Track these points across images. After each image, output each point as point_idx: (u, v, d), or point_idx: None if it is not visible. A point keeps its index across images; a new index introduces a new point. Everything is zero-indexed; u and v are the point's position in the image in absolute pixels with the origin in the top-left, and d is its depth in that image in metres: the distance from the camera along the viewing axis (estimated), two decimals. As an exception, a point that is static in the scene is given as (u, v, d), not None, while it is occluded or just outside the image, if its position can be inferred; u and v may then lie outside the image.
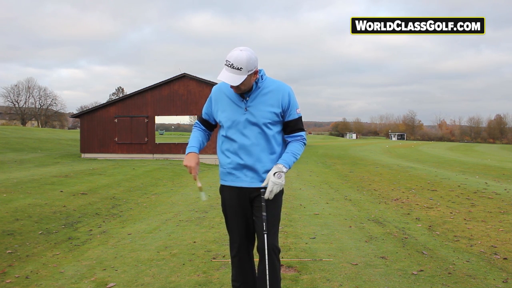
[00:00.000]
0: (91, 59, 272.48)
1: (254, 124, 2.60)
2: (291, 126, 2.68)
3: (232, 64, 2.45)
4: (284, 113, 2.64)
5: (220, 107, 2.70)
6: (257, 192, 2.62)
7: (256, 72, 2.55)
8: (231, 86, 2.56)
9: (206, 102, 2.83)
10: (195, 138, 2.81)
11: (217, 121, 2.76)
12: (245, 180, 2.63)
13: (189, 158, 2.67)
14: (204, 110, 2.84)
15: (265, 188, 2.57)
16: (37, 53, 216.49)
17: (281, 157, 2.65)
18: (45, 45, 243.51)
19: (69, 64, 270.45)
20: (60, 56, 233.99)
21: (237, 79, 2.46)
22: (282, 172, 2.54)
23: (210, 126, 2.87)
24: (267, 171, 2.61)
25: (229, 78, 2.47)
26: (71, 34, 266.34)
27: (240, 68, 2.44)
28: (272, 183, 2.51)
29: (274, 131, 2.64)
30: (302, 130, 2.74)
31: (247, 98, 2.62)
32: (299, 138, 2.70)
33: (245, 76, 2.47)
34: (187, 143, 2.80)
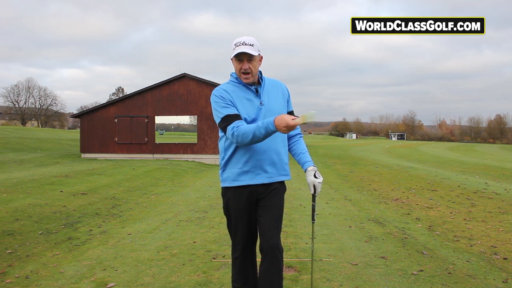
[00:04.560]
0: (93, 59, 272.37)
1: (275, 115, 2.56)
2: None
3: (244, 41, 2.56)
4: (286, 104, 2.80)
5: (236, 105, 2.59)
6: (268, 190, 2.64)
7: (261, 59, 2.68)
8: (243, 73, 2.58)
9: (217, 104, 2.58)
10: (252, 125, 2.48)
11: None
12: (264, 176, 2.63)
13: (280, 118, 2.36)
14: (225, 110, 2.54)
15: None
16: (39, 53, 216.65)
17: (301, 156, 2.74)
18: (47, 45, 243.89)
19: (71, 64, 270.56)
20: (62, 56, 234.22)
21: (253, 51, 2.55)
22: (317, 170, 2.68)
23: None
24: (286, 164, 2.73)
25: (247, 49, 2.54)
26: (74, 34, 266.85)
27: (252, 44, 2.56)
28: (318, 183, 2.63)
29: None
30: None
31: (259, 93, 2.66)
32: (299, 132, 2.86)
33: (257, 54, 2.58)
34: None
